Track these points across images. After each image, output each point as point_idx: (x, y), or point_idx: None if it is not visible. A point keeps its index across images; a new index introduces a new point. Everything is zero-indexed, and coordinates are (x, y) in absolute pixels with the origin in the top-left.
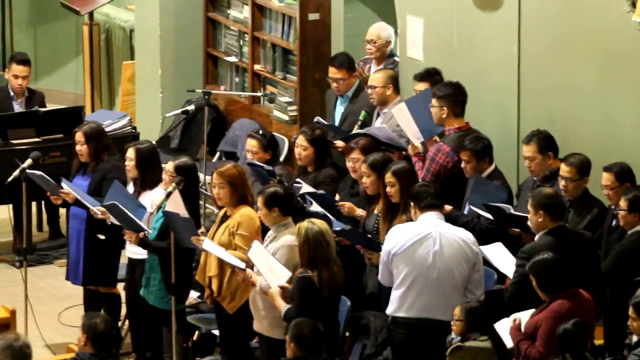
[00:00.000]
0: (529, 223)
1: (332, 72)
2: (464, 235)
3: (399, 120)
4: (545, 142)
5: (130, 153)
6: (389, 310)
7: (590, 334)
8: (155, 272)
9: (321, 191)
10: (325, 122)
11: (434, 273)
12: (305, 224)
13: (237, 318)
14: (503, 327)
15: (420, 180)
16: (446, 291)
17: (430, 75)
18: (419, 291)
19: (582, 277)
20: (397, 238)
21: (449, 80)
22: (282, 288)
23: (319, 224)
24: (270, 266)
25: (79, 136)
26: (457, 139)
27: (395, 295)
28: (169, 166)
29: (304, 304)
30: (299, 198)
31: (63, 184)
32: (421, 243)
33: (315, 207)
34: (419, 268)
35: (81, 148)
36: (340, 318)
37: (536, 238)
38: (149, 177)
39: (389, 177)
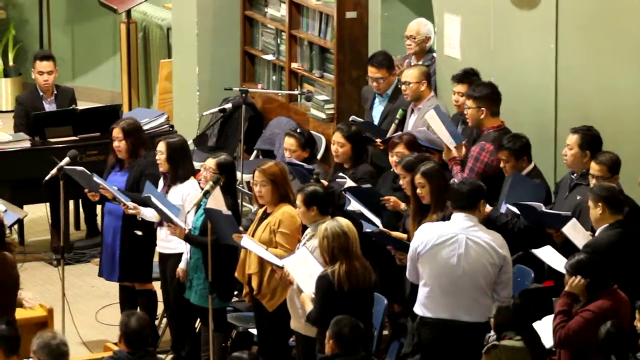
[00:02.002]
0: (567, 225)
1: (372, 71)
2: (491, 239)
3: (432, 126)
4: (589, 140)
5: (162, 147)
6: (416, 309)
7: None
8: (199, 272)
9: (368, 185)
10: (361, 120)
11: (458, 275)
12: (326, 222)
13: (275, 316)
14: (544, 326)
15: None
16: (471, 293)
17: (469, 77)
18: (443, 292)
19: None
20: (423, 237)
21: (482, 81)
22: None
23: (340, 219)
24: (312, 273)
25: (116, 132)
26: (497, 137)
27: (421, 294)
28: (209, 163)
29: (323, 303)
30: (343, 192)
31: (95, 180)
32: (445, 245)
33: (352, 205)
34: (443, 270)
35: (119, 144)
36: (377, 316)
37: (597, 233)
38: (180, 171)
39: (418, 179)
